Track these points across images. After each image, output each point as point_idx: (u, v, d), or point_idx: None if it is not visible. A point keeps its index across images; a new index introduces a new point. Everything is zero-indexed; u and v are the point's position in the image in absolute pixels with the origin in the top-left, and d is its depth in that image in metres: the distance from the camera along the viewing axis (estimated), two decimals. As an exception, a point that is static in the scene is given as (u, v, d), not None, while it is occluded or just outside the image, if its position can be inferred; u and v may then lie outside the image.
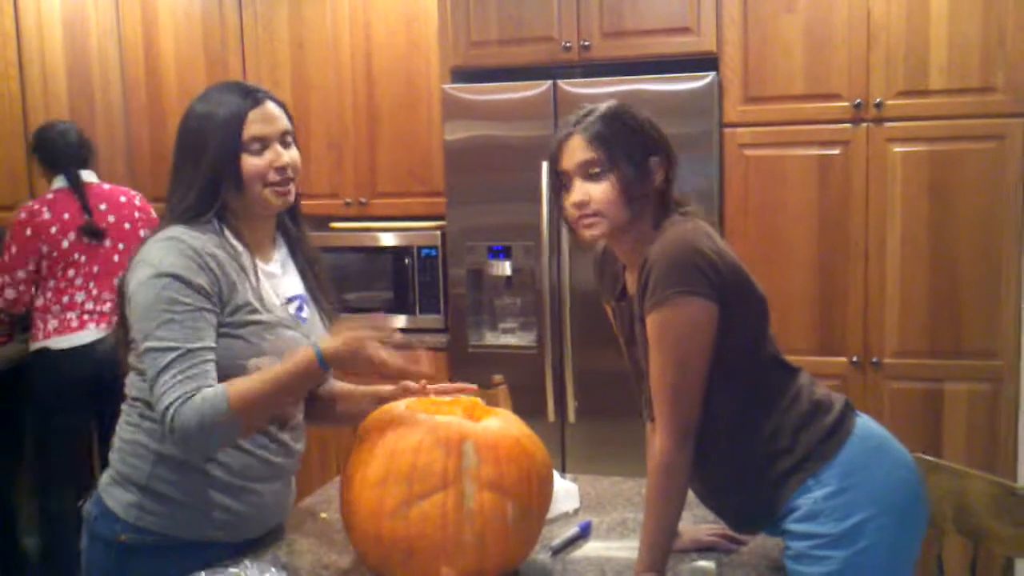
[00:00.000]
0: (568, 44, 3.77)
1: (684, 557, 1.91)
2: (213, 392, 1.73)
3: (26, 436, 4.09)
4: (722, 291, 1.71)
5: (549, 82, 3.71)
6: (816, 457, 1.74)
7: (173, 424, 1.72)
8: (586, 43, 3.75)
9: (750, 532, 1.94)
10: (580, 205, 1.80)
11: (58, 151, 3.90)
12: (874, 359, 3.55)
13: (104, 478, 1.94)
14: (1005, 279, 3.42)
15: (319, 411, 2.09)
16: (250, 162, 1.85)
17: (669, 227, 1.77)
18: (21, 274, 3.80)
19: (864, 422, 1.81)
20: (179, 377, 1.73)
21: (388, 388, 2.05)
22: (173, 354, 1.74)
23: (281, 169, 1.88)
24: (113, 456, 1.93)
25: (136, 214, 3.99)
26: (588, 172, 1.80)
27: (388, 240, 4.19)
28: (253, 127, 1.85)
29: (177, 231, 1.82)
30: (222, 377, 1.78)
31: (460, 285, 3.92)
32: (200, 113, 1.87)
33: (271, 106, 1.89)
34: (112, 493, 1.90)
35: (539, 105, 3.72)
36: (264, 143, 1.86)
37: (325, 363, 1.78)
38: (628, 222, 1.81)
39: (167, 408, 1.72)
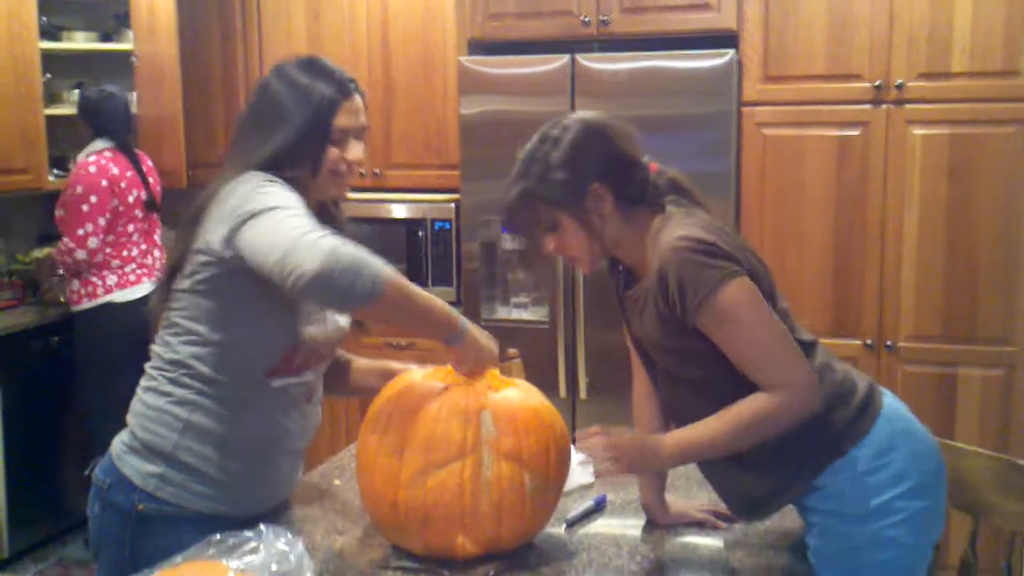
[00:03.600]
0: (587, 19, 3.74)
1: (674, 532, 1.92)
2: (374, 258, 1.63)
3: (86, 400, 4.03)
4: (740, 263, 1.69)
5: (567, 56, 3.68)
6: (848, 437, 1.73)
7: (320, 244, 1.57)
8: (605, 18, 3.72)
9: (759, 517, 1.91)
10: (557, 253, 1.86)
11: (105, 115, 3.98)
12: (888, 342, 3.53)
13: (118, 445, 1.91)
14: (1022, 266, 3.40)
15: (334, 380, 2.09)
16: (328, 151, 1.85)
17: (660, 231, 1.74)
18: (102, 222, 3.86)
19: (890, 402, 1.80)
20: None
21: (397, 364, 2.09)
22: (309, 219, 1.65)
23: (350, 163, 1.89)
24: (132, 421, 1.90)
25: (153, 178, 4.12)
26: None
27: (401, 212, 4.17)
28: (342, 118, 1.85)
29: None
30: (278, 344, 1.82)
31: (473, 259, 3.91)
32: (295, 83, 1.84)
33: (359, 100, 1.90)
34: (129, 462, 1.87)
35: (556, 80, 3.69)
36: (346, 135, 1.87)
37: (458, 338, 1.77)
38: (611, 241, 1.81)
39: (312, 231, 1.60)
